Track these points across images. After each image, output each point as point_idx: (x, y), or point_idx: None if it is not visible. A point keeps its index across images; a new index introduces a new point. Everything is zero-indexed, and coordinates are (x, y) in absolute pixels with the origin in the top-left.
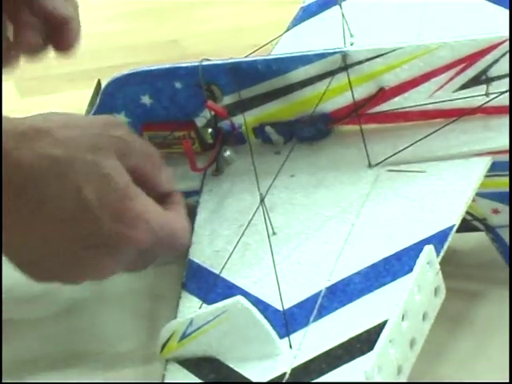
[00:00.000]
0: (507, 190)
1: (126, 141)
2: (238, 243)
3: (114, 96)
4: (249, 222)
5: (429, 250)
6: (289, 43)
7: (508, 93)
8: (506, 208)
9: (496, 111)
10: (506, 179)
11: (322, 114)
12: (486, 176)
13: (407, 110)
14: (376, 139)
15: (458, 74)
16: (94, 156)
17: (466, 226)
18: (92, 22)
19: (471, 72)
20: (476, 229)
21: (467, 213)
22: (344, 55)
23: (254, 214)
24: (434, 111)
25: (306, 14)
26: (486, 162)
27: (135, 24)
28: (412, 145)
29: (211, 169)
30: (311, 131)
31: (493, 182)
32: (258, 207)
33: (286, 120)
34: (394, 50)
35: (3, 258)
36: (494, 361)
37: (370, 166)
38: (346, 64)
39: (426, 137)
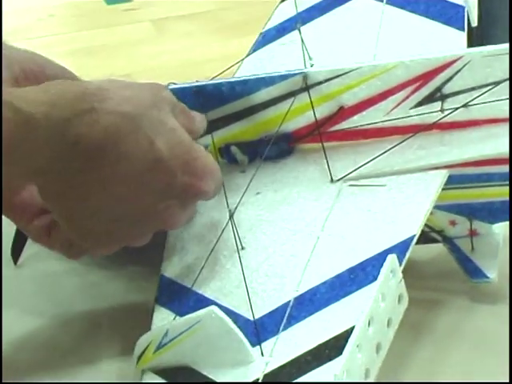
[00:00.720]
0: (463, 202)
1: (172, 101)
2: (208, 258)
3: None
4: (219, 237)
5: (392, 258)
6: (250, 68)
7: (462, 108)
8: (463, 219)
9: (450, 126)
10: (462, 191)
11: (284, 134)
12: (443, 189)
13: (366, 127)
14: (337, 156)
15: (414, 91)
16: (158, 112)
17: (424, 237)
18: None
19: (426, 89)
20: (434, 240)
21: (425, 225)
22: (305, 76)
23: (223, 230)
24: (392, 128)
25: (266, 39)
26: (442, 175)
27: (88, 60)
28: (371, 160)
29: None
30: (274, 150)
31: (449, 195)
32: (227, 223)
33: (251, 140)
34: (353, 70)
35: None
36: (455, 368)
37: (332, 181)
38: (306, 84)
39: (384, 152)
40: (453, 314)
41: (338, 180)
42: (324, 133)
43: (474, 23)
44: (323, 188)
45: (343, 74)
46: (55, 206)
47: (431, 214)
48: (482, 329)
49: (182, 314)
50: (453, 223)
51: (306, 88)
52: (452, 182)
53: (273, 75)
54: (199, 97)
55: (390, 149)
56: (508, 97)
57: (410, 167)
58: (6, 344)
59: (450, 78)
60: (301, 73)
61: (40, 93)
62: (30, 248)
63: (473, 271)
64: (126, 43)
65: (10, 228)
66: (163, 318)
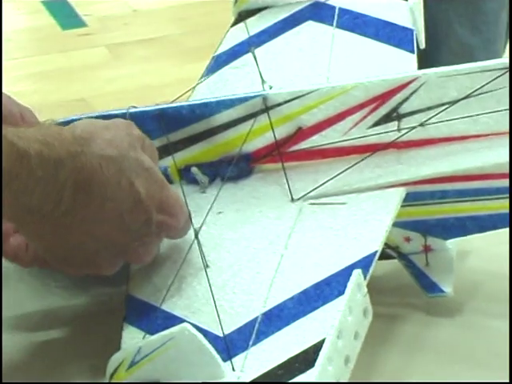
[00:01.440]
0: (419, 218)
1: (141, 137)
2: (175, 277)
3: None
4: (185, 256)
5: (358, 273)
6: (204, 92)
7: (419, 127)
8: (417, 236)
9: (407, 145)
10: (417, 208)
11: (244, 154)
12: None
13: (325, 147)
14: (297, 175)
15: (371, 111)
16: (134, 153)
17: (380, 254)
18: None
19: (384, 109)
20: (389, 256)
21: None
22: (264, 98)
23: (189, 249)
24: (350, 147)
25: (218, 63)
26: (400, 193)
27: (44, 84)
28: (331, 179)
29: None
30: (234, 171)
31: (405, 212)
32: (192, 242)
33: (211, 161)
34: (312, 92)
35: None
36: (423, 377)
37: (292, 200)
38: (266, 106)
39: (343, 171)
40: (412, 326)
41: (299, 199)
42: (284, 153)
43: (422, 45)
44: (284, 207)
45: (302, 96)
46: (34, 240)
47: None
48: (442, 339)
49: (151, 333)
50: (407, 240)
51: (266, 109)
52: (408, 199)
53: (232, 98)
54: (160, 120)
55: (349, 168)
56: (462, 116)
57: (369, 185)
58: None
59: (407, 98)
60: (260, 95)
61: (34, 131)
62: None
63: (429, 286)
64: (81, 68)
65: None
66: (132, 337)
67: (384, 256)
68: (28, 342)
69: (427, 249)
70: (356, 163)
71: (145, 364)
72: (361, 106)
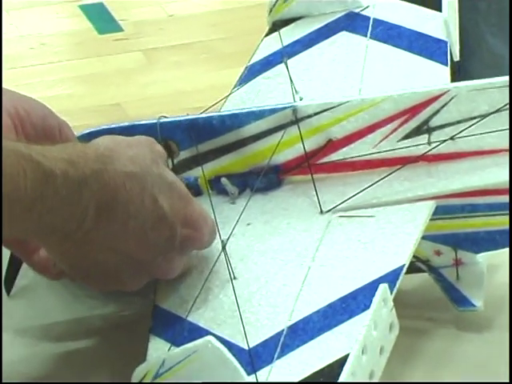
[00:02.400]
0: (448, 232)
1: (163, 154)
2: (202, 288)
3: None
4: (212, 268)
5: (384, 288)
6: (236, 102)
7: (449, 141)
8: (448, 249)
9: (437, 158)
10: (447, 222)
11: (273, 166)
12: (430, 219)
13: (354, 159)
14: (326, 188)
15: (401, 124)
16: (158, 169)
17: (410, 267)
18: (36, 86)
19: (414, 123)
20: (420, 270)
21: None
22: (294, 109)
23: (216, 260)
24: (380, 160)
25: (251, 73)
26: (430, 206)
27: (79, 88)
28: (360, 192)
29: None
30: (264, 182)
31: (435, 225)
32: (219, 254)
33: (241, 172)
34: (341, 104)
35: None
36: None
37: (321, 212)
38: (296, 118)
39: (372, 184)
40: (440, 341)
41: (328, 211)
42: (313, 165)
43: (457, 58)
44: (313, 219)
45: (332, 108)
46: (58, 258)
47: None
48: (470, 355)
49: (176, 344)
50: (438, 253)
51: (296, 121)
52: (437, 212)
53: (263, 109)
54: (190, 130)
55: (378, 181)
56: (492, 130)
57: (398, 199)
58: None
59: (437, 112)
60: (291, 106)
61: (59, 150)
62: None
63: (459, 300)
64: (116, 72)
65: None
66: (158, 348)
67: (414, 269)
68: (54, 351)
69: (458, 262)
70: (385, 176)
71: (169, 376)
72: (391, 119)
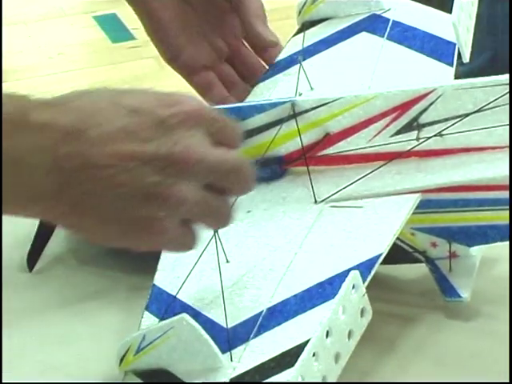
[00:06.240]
0: (442, 225)
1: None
2: (192, 268)
3: None
4: (203, 250)
5: (354, 274)
6: (258, 95)
7: (437, 137)
8: (443, 242)
9: (426, 154)
10: (441, 215)
11: (277, 157)
12: (424, 212)
13: (350, 153)
14: (323, 179)
15: (392, 120)
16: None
17: (408, 257)
18: (55, 94)
19: (404, 119)
20: (417, 260)
21: (409, 246)
22: (293, 104)
23: (208, 243)
24: (373, 154)
25: (274, 70)
26: (414, 199)
27: None
28: (352, 184)
29: None
30: (267, 172)
31: (429, 218)
32: (211, 238)
33: None
34: (336, 100)
35: None
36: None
37: (315, 202)
38: (294, 112)
39: (364, 176)
40: (422, 328)
41: (322, 201)
42: (311, 157)
43: (466, 60)
44: (307, 208)
45: (328, 103)
46: (61, 223)
47: (413, 235)
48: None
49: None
50: (434, 245)
51: (294, 115)
52: (431, 205)
53: (263, 103)
54: None
55: (369, 173)
56: (477, 128)
57: (388, 191)
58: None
59: (425, 109)
60: (289, 101)
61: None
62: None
63: (447, 290)
64: (130, 79)
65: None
66: (148, 325)
67: (413, 260)
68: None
69: (452, 255)
70: (377, 168)
71: (150, 351)
72: (383, 115)
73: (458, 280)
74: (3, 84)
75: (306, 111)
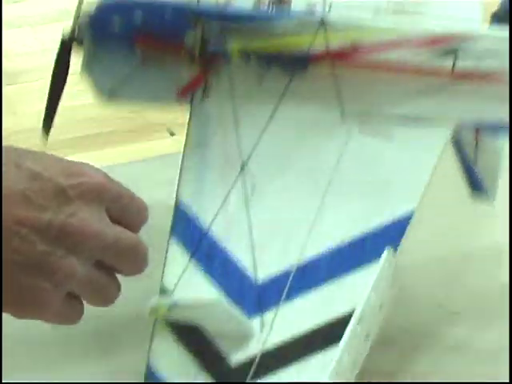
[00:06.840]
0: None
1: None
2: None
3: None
4: (233, 184)
5: (388, 252)
6: None
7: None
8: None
9: (463, 77)
10: None
11: (301, 53)
12: None
13: (381, 63)
14: (351, 90)
15: (432, 45)
16: None
17: None
18: (62, 97)
19: (443, 46)
20: None
21: None
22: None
23: (238, 176)
24: (408, 67)
25: None
26: (446, 136)
27: None
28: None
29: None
30: (291, 63)
31: None
32: (238, 174)
33: (269, 53)
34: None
35: None
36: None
37: (342, 115)
38: (323, 22)
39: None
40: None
41: (348, 115)
42: (339, 63)
43: None
44: (334, 129)
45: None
46: None
47: None
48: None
49: (195, 258)
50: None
51: (323, 24)
52: None
53: (295, 11)
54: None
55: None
56: None
57: (420, 115)
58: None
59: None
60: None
61: None
62: None
63: (476, 183)
64: None
65: None
66: (176, 257)
67: None
68: None
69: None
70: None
71: (181, 312)
72: (420, 42)
73: (485, 175)
74: (14, 86)
75: (337, 30)
